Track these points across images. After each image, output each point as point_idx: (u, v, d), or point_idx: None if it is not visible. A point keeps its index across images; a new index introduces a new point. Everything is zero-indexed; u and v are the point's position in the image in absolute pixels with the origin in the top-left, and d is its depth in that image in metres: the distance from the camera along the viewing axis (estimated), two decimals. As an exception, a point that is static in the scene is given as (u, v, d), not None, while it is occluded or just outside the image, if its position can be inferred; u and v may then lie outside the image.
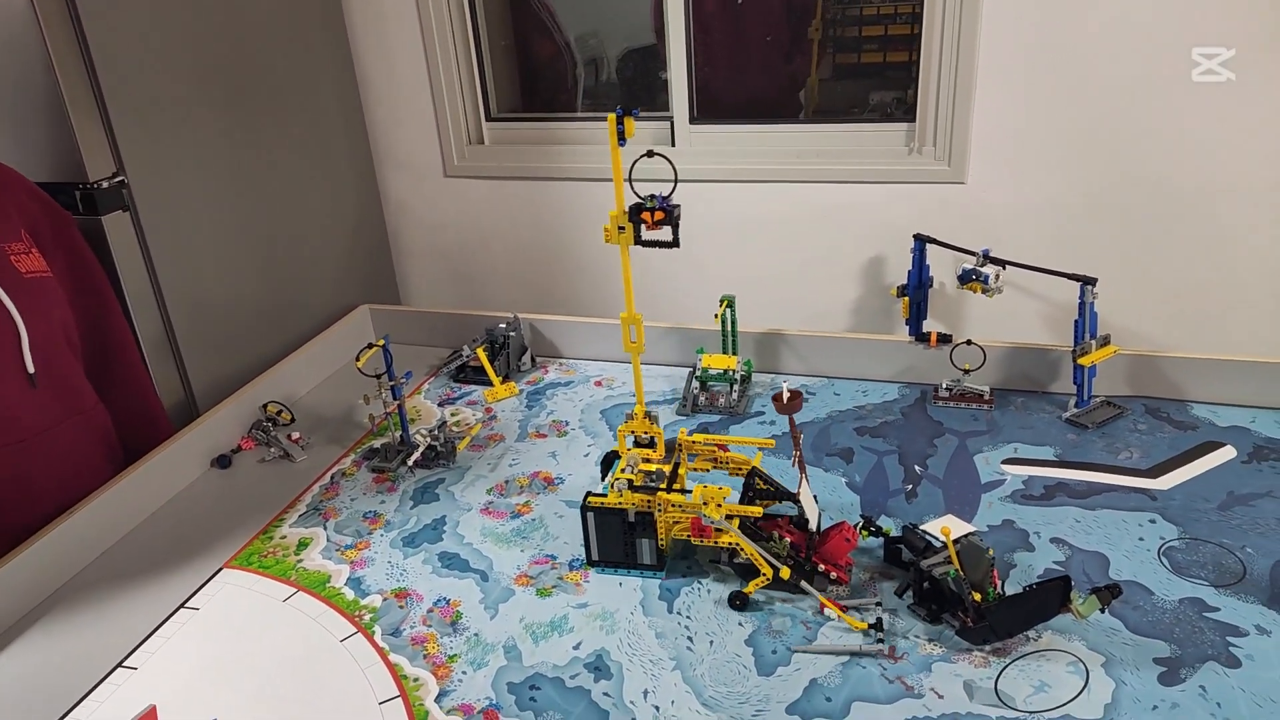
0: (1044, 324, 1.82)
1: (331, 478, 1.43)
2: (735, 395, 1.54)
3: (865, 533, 1.15)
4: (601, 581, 1.16)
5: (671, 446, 1.19)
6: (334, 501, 1.37)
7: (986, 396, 1.48)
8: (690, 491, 1.13)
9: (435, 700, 0.99)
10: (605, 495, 1.14)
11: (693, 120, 1.90)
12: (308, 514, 1.35)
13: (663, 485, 1.12)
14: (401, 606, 1.14)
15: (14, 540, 1.21)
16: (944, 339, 1.56)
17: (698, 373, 1.57)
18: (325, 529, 1.31)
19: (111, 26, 1.40)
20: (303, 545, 1.27)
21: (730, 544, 1.10)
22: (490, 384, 1.66)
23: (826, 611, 1.05)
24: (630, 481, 1.12)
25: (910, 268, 1.57)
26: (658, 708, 0.97)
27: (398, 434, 1.46)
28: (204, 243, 1.62)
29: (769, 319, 1.65)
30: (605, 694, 0.99)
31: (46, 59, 1.31)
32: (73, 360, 1.33)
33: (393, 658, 1.06)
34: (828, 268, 1.90)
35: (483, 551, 1.23)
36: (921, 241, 1.56)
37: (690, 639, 1.05)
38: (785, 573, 1.07)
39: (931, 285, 1.60)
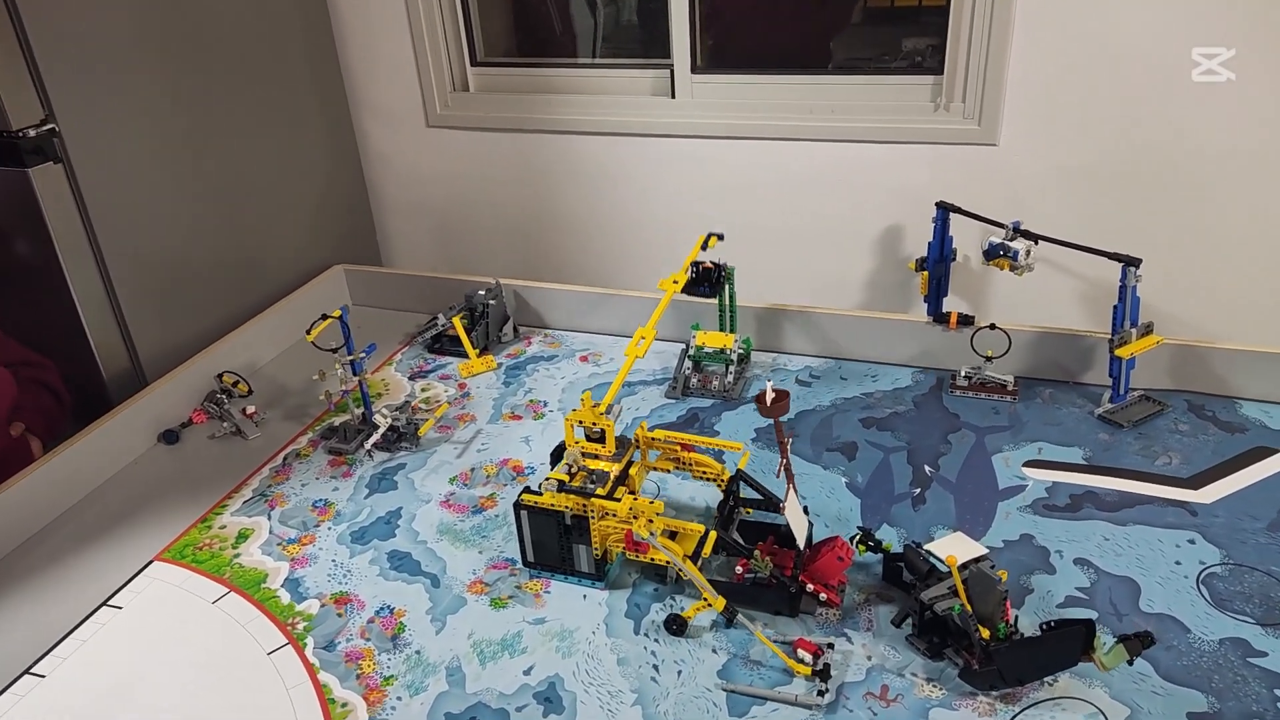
0: (1079, 306, 1.65)
1: (284, 459, 1.32)
2: (731, 377, 1.40)
3: (862, 547, 1.02)
4: (563, 593, 1.03)
5: (625, 442, 1.06)
6: (283, 486, 1.25)
7: (1010, 387, 1.33)
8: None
9: (363, 731, 0.88)
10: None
11: (695, 70, 1.72)
12: (253, 500, 1.23)
13: (601, 489, 0.98)
14: (340, 614, 1.03)
15: None
16: (965, 321, 1.41)
17: (691, 351, 1.43)
18: (269, 519, 1.19)
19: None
20: (243, 537, 1.16)
21: (667, 563, 0.97)
22: (466, 356, 1.53)
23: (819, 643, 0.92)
24: (561, 482, 0.99)
25: (931, 239, 1.41)
26: (611, 752, 0.85)
27: (359, 412, 1.34)
28: (152, 196, 1.47)
29: (772, 292, 1.50)
30: (554, 732, 0.87)
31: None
32: None
33: (322, 677, 0.95)
34: (839, 236, 1.73)
35: (437, 551, 1.11)
36: (945, 210, 1.40)
37: (656, 668, 0.93)
38: (719, 604, 0.94)
39: (954, 259, 1.45)
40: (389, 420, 1.31)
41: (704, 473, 1.08)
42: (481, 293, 1.58)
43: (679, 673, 0.92)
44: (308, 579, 1.08)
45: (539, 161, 1.86)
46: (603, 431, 1.03)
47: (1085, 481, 1.16)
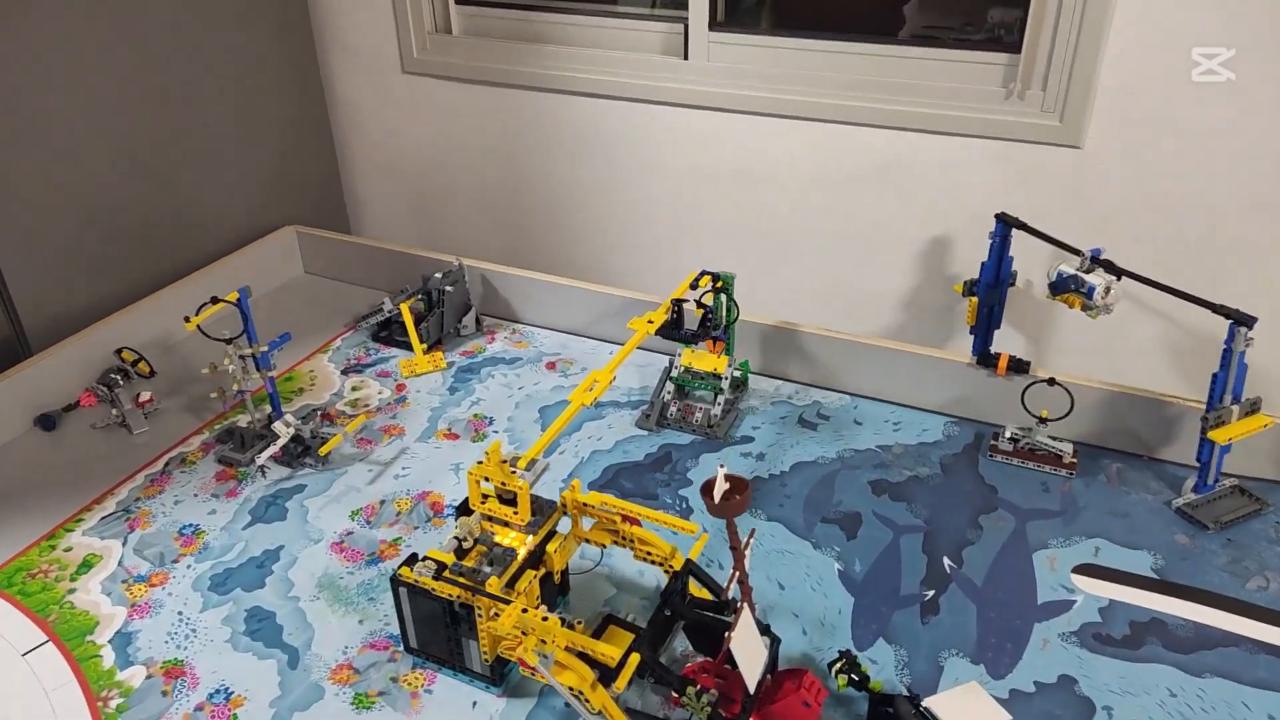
0: (1167, 361, 1.34)
1: (166, 464, 1.10)
2: (719, 410, 1.14)
3: (842, 679, 0.77)
4: (449, 695, 0.80)
5: (549, 507, 0.81)
6: (153, 501, 1.04)
7: (1067, 459, 1.06)
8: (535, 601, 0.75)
9: None
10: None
11: (714, 26, 1.43)
12: (113, 517, 1.02)
13: (498, 576, 0.74)
14: (165, 692, 0.81)
15: None
16: (1018, 367, 1.13)
17: (674, 373, 1.17)
18: (124, 544, 0.97)
19: None
20: (86, 566, 0.95)
21: (575, 690, 0.72)
22: (412, 351, 1.29)
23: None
24: (441, 564, 0.75)
25: (986, 258, 1.14)
26: None
27: (268, 412, 1.11)
28: (49, 129, 1.23)
29: (783, 307, 1.23)
30: None
31: None
32: None
33: (112, 788, 0.73)
34: (872, 244, 1.44)
35: (308, 614, 0.89)
36: (1006, 224, 1.12)
37: (541, 829, 0.69)
38: None
39: (1013, 284, 1.17)
40: (291, 430, 1.08)
41: (648, 554, 0.83)
42: (438, 276, 1.34)
43: (570, 842, 0.68)
44: (142, 635, 0.86)
45: (526, 123, 1.59)
46: (515, 494, 0.79)
47: (1152, 604, 0.89)
